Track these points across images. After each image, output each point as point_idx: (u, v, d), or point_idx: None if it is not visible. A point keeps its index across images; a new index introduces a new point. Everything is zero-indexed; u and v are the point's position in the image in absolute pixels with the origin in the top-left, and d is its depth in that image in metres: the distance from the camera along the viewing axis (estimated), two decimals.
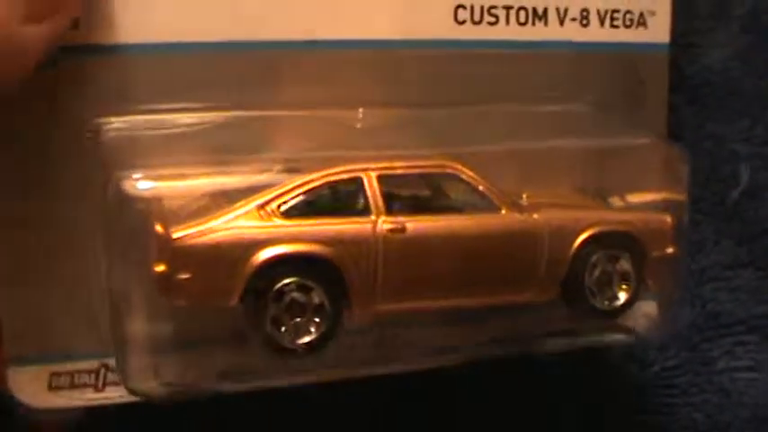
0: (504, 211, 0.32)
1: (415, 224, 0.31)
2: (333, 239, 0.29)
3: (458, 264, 0.31)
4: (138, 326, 0.29)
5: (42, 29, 0.28)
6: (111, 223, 0.29)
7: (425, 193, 0.32)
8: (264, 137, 0.33)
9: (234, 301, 0.29)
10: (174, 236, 0.28)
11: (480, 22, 0.37)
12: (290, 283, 0.29)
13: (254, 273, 0.29)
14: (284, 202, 0.29)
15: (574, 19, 0.38)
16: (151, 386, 0.29)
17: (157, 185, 0.29)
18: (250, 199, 0.29)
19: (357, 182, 0.30)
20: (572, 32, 0.38)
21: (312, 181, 0.30)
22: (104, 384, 0.33)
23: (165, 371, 0.29)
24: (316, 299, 0.29)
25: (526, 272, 0.32)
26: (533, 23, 0.37)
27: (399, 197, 0.31)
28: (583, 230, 0.33)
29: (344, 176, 0.30)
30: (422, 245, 0.31)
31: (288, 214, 0.29)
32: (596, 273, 0.33)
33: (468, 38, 0.36)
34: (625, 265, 0.33)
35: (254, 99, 0.33)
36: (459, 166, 0.32)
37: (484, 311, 0.32)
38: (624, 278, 0.34)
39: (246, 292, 0.29)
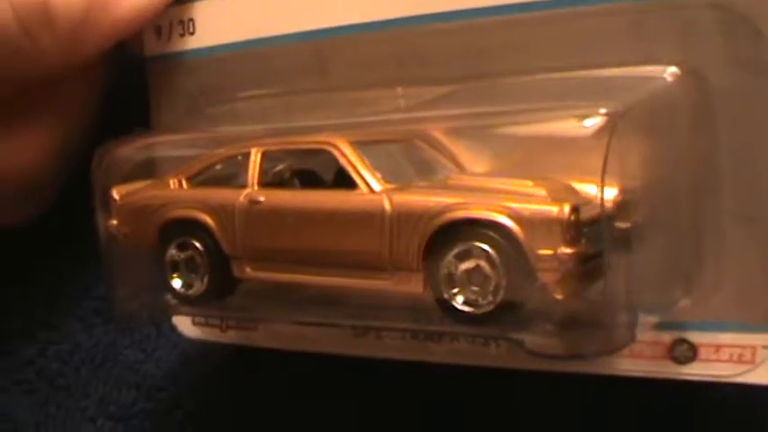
0: (357, 191, 0.30)
1: (271, 197, 0.32)
2: (209, 207, 0.33)
3: (307, 238, 0.31)
4: None
5: (137, 2, 0.36)
6: None
7: (300, 168, 0.32)
8: None
9: (151, 249, 0.35)
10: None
11: None
12: (177, 241, 0.34)
13: (159, 230, 0.35)
14: (192, 173, 0.34)
15: None
16: None
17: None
18: (177, 171, 0.35)
19: (246, 157, 0.33)
20: None
21: (217, 155, 0.34)
22: None
23: None
24: (198, 257, 0.34)
25: (375, 256, 0.30)
26: None
27: (275, 172, 0.32)
28: (438, 218, 0.28)
29: (240, 152, 0.33)
30: (273, 217, 0.32)
31: (193, 183, 0.34)
32: (453, 267, 0.28)
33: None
34: (482, 261, 0.27)
35: None
36: (338, 144, 0.31)
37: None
38: (484, 277, 0.27)
39: (157, 246, 0.35)
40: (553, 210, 0.27)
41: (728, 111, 0.30)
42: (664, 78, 0.30)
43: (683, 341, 0.32)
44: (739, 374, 0.31)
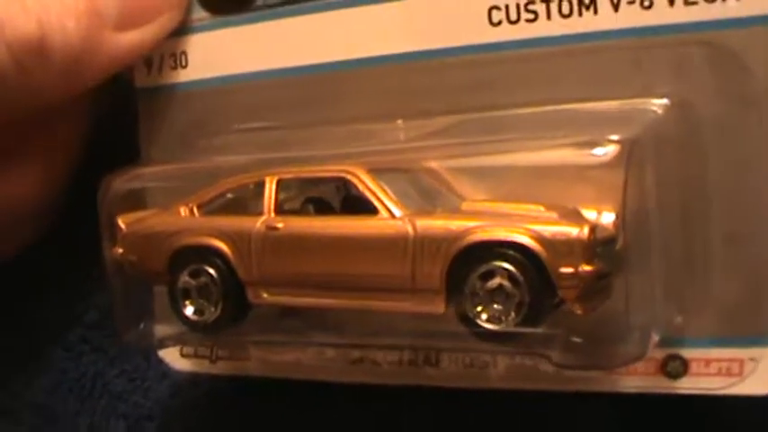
0: (378, 216, 0.31)
1: (290, 223, 0.33)
2: (224, 234, 0.34)
3: (327, 262, 0.32)
4: None
5: (133, 37, 0.37)
6: None
7: (316, 195, 0.33)
8: None
9: (160, 277, 0.36)
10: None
11: (518, 20, 0.35)
12: (190, 269, 0.35)
13: (169, 257, 0.35)
14: (203, 202, 0.35)
15: (631, 2, 0.33)
16: None
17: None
18: (188, 199, 0.36)
19: (261, 185, 0.34)
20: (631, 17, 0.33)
21: (228, 184, 0.35)
22: None
23: None
24: (212, 284, 0.34)
25: (397, 278, 0.31)
26: (580, 14, 0.34)
27: (291, 199, 0.33)
28: (461, 240, 0.30)
29: (253, 180, 0.34)
30: (292, 243, 0.33)
31: (205, 211, 0.35)
32: (477, 287, 0.30)
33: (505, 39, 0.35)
34: (505, 281, 0.29)
35: None
36: (356, 172, 0.32)
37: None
38: (507, 295, 0.29)
39: (166, 273, 0.35)
40: (573, 230, 0.28)
41: (717, 139, 0.32)
42: (657, 110, 0.33)
43: (676, 357, 0.33)
44: (728, 387, 0.33)
